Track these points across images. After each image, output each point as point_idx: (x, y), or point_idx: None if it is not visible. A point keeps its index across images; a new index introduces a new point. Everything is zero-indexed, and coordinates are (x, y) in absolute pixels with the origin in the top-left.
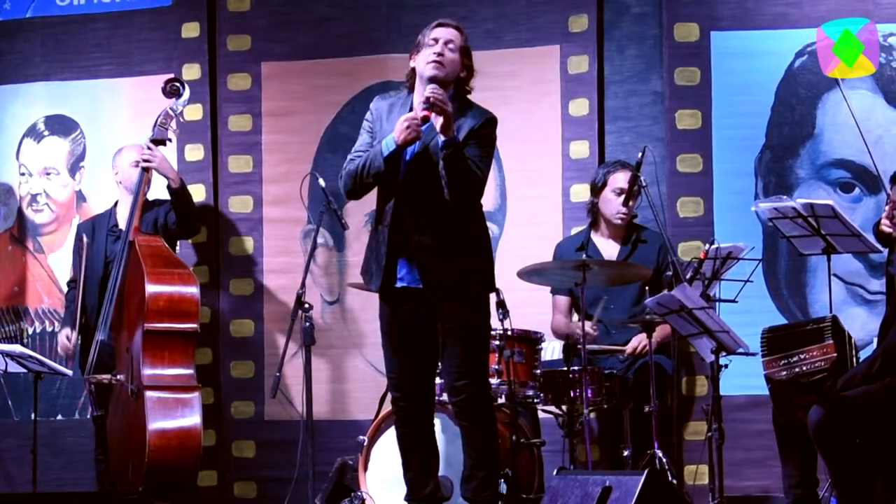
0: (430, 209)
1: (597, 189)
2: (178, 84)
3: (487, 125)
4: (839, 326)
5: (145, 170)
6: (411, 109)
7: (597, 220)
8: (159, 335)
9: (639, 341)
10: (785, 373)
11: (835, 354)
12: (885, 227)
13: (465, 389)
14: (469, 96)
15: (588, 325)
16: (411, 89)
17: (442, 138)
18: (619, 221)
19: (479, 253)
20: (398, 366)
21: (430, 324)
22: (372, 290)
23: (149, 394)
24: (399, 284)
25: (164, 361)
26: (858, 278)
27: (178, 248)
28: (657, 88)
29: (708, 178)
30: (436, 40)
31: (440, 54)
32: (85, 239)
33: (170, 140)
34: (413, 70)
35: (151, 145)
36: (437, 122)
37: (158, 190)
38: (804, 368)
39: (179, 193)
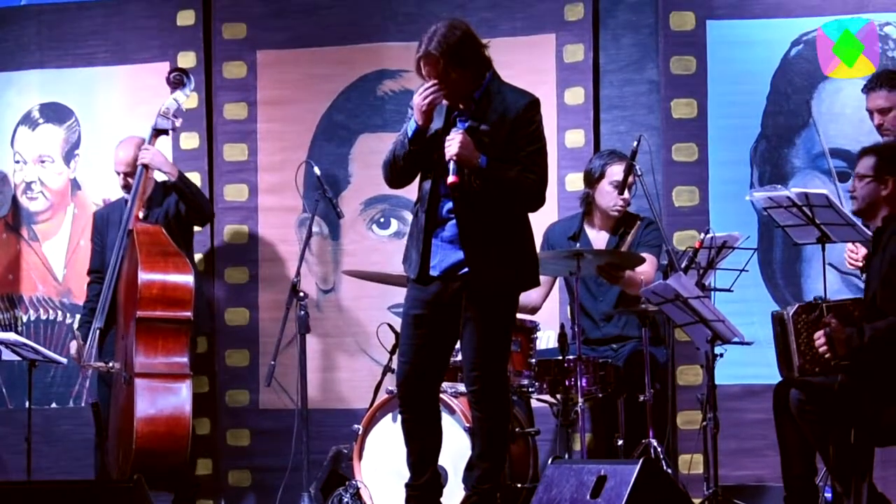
0: (469, 193)
1: (593, 180)
2: (182, 74)
3: (529, 113)
4: None
5: (144, 166)
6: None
7: (590, 211)
8: (152, 323)
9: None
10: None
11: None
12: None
13: (478, 380)
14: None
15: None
16: None
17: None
18: (616, 213)
19: (523, 245)
20: (413, 350)
21: (455, 312)
22: (411, 277)
23: (139, 381)
24: (433, 273)
25: (157, 350)
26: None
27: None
28: (653, 77)
29: (703, 167)
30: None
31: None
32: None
33: (173, 130)
34: None
35: (148, 145)
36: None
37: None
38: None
39: (180, 186)
